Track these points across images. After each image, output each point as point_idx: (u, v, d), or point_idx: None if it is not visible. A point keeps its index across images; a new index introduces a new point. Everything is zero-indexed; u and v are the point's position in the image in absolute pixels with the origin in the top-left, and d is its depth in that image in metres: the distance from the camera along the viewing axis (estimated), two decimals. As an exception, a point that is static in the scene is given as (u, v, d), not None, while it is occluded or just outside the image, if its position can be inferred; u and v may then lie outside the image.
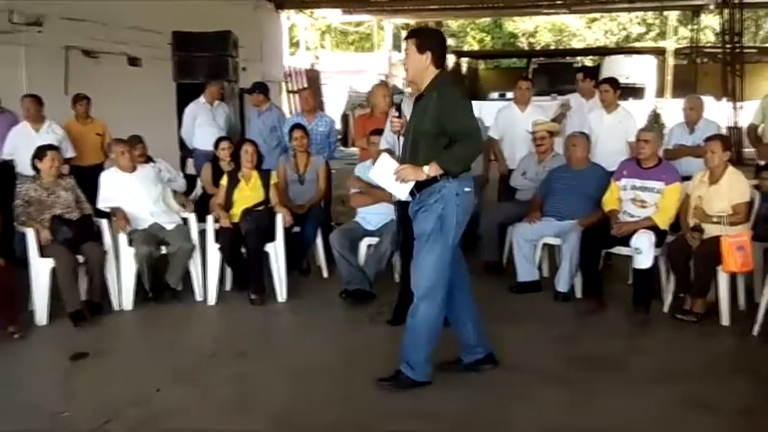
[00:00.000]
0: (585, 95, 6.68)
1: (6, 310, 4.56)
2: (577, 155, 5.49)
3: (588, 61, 21.82)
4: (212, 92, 7.54)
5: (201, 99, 7.50)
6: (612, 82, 6.15)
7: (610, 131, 5.89)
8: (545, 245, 5.57)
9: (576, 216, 5.26)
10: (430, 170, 3.48)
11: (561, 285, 5.19)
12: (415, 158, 3.56)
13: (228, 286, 5.53)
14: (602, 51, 23.38)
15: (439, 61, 3.60)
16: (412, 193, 3.59)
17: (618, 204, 5.12)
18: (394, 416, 3.47)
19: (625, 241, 4.91)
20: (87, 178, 5.66)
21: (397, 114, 3.86)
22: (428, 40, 3.61)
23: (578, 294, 5.19)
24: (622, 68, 17.67)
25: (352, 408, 3.58)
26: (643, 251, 4.78)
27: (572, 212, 5.29)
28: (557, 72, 19.96)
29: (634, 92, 17.45)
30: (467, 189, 3.58)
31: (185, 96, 8.05)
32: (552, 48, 27.83)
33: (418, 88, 3.67)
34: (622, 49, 23.91)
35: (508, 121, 6.48)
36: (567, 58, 22.74)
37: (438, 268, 3.53)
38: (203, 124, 7.35)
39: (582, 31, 29.35)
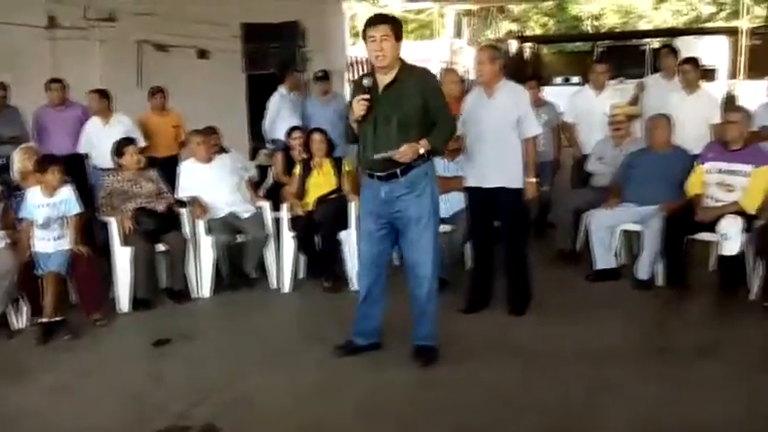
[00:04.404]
0: (668, 74, 6.45)
1: (91, 298, 4.70)
2: (660, 138, 5.28)
3: (657, 44, 21.05)
4: (293, 82, 7.51)
5: (283, 90, 7.47)
6: (694, 62, 5.93)
7: (691, 113, 5.64)
8: (622, 231, 5.41)
9: (659, 201, 5.05)
10: (423, 147, 3.61)
11: (642, 273, 5.04)
12: (406, 140, 3.60)
13: (302, 274, 5.56)
14: (672, 33, 22.53)
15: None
16: (394, 175, 3.66)
17: (702, 188, 4.92)
18: (476, 404, 3.42)
19: (710, 227, 4.73)
20: (163, 169, 5.74)
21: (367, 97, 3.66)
22: (400, 28, 3.69)
23: (659, 282, 5.03)
24: (693, 50, 16.88)
25: (436, 393, 3.56)
26: (730, 237, 4.60)
27: (654, 197, 5.09)
28: (624, 55, 19.35)
29: (706, 74, 16.73)
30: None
31: (255, 87, 8.09)
32: (618, 30, 26.97)
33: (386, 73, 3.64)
34: (693, 30, 23.01)
35: (583, 104, 6.31)
36: (635, 40, 22.00)
37: (437, 246, 3.83)
38: (286, 116, 7.27)
39: (649, 12, 28.39)
